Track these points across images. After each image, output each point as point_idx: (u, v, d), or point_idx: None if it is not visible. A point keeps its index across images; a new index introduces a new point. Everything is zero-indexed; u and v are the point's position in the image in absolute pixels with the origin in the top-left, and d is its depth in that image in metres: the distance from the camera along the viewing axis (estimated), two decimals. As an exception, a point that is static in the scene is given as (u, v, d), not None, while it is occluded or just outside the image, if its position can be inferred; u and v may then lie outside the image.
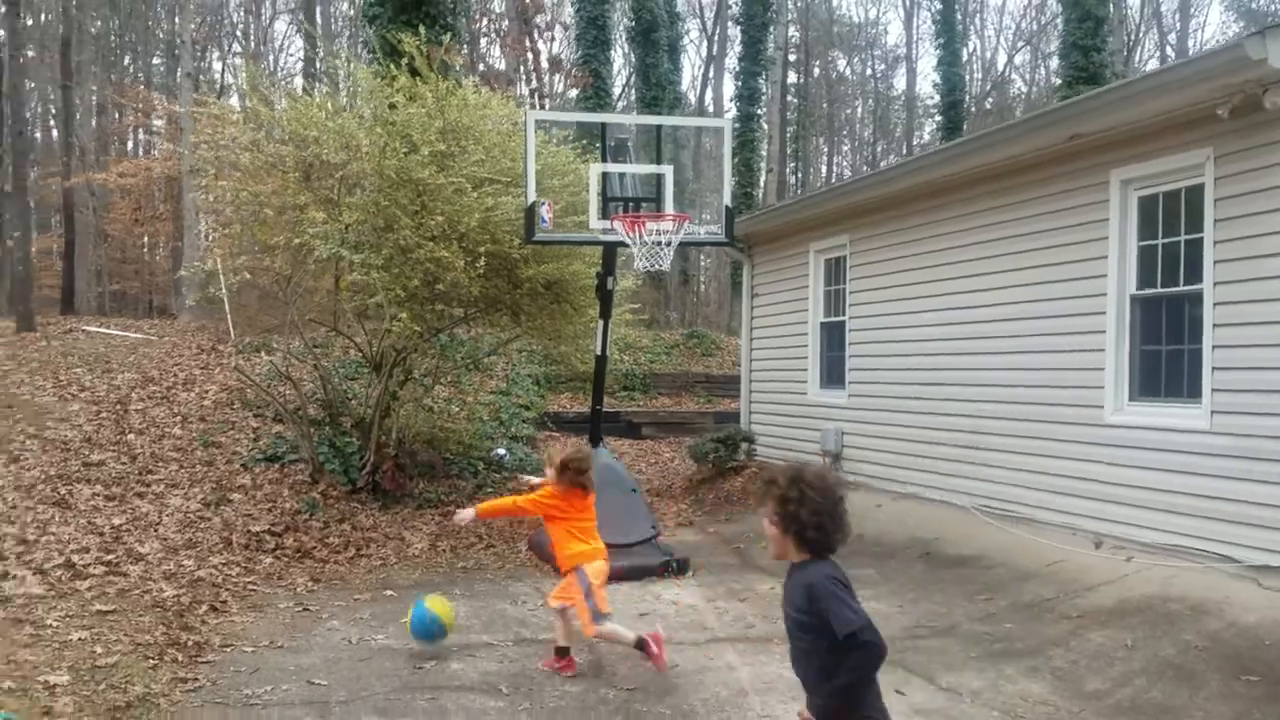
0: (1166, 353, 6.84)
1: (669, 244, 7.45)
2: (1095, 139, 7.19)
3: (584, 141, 10.28)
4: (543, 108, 23.98)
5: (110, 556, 6.99)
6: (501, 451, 12.01)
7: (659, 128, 8.94)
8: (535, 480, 6.23)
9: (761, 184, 28.65)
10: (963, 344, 8.74)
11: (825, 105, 41.96)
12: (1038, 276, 7.84)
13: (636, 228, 7.42)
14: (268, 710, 4.64)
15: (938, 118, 34.17)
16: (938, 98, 33.40)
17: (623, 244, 7.74)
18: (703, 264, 38.39)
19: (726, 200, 8.66)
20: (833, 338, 11.16)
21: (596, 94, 25.05)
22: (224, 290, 9.52)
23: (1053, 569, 6.95)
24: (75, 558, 6.82)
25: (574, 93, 26.04)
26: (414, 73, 9.20)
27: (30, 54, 26.44)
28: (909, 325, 9.53)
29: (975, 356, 8.58)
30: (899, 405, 9.67)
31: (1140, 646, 5.46)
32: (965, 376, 8.70)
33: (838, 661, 2.78)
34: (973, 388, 8.60)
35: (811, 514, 2.87)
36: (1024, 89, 41.41)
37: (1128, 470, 6.90)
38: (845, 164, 44.80)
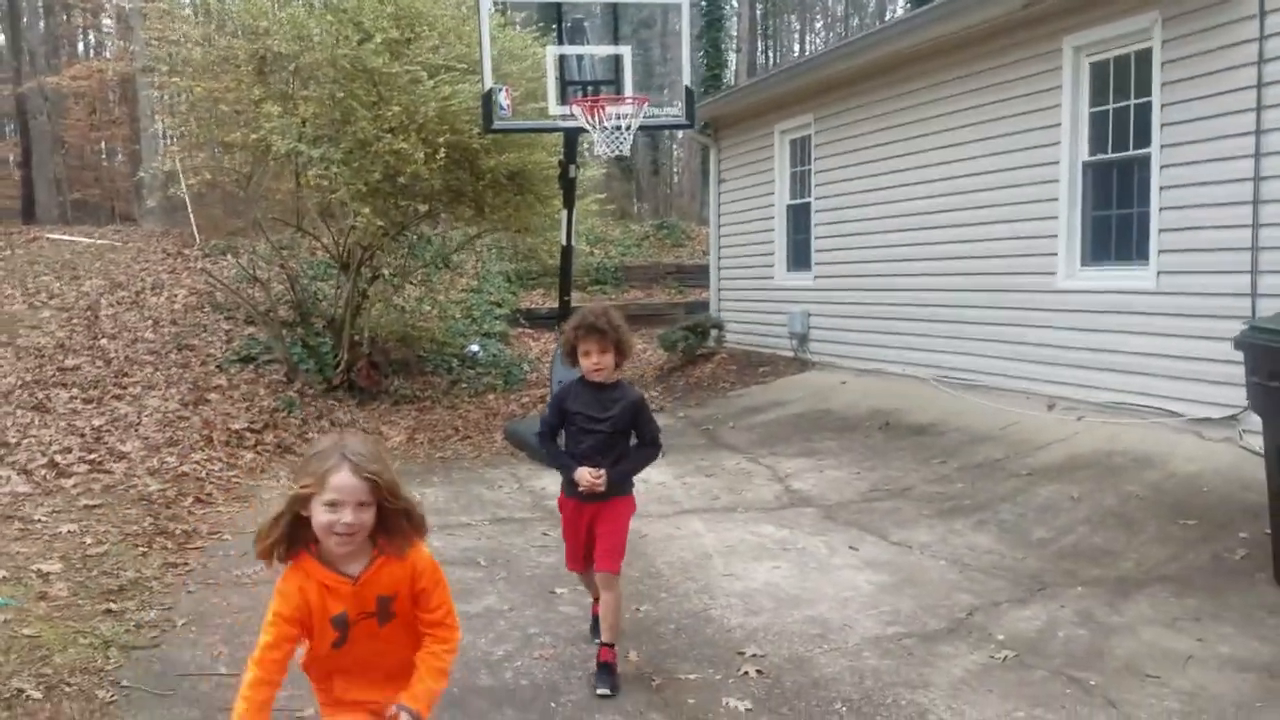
0: (1116, 217, 7.00)
1: (629, 128, 7.44)
2: (1049, 6, 7.20)
3: (541, 24, 10.13)
4: (498, -11, 23.25)
5: (93, 455, 7.13)
6: (475, 348, 12.17)
7: (615, 5, 8.82)
8: None
9: (731, 65, 28.19)
10: (922, 219, 8.86)
11: (796, -21, 40.89)
12: (994, 148, 7.93)
13: (596, 112, 7.40)
14: (258, 589, 4.85)
15: (909, -9, 33.44)
16: (908, -30, 32.63)
17: (583, 130, 7.72)
18: (675, 154, 37.94)
19: (686, 80, 8.60)
20: (799, 220, 11.24)
21: (554, -27, 24.28)
22: (185, 191, 9.47)
23: (1005, 431, 7.23)
24: (58, 457, 6.96)
25: (530, -28, 25.17)
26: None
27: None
28: (871, 203, 9.63)
29: (934, 230, 8.71)
30: (863, 284, 9.83)
31: (1085, 498, 5.76)
32: (925, 251, 8.85)
33: None
34: (932, 261, 8.76)
35: None
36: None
37: (1079, 333, 7.14)
38: (818, 41, 43.92)
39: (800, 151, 11.20)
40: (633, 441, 3.95)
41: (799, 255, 11.26)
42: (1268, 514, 4.54)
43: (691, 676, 3.89)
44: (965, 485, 6.37)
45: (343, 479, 2.25)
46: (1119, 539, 5.18)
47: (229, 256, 12.05)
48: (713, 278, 13.48)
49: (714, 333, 13.02)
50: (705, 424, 9.42)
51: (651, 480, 7.21)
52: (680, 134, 29.51)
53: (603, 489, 3.80)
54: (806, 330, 10.92)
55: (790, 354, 11.20)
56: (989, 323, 8.05)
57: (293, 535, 2.33)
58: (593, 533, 3.92)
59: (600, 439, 3.85)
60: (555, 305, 12.16)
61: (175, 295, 11.99)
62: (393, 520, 2.34)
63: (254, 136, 8.16)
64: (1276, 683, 3.64)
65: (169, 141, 15.83)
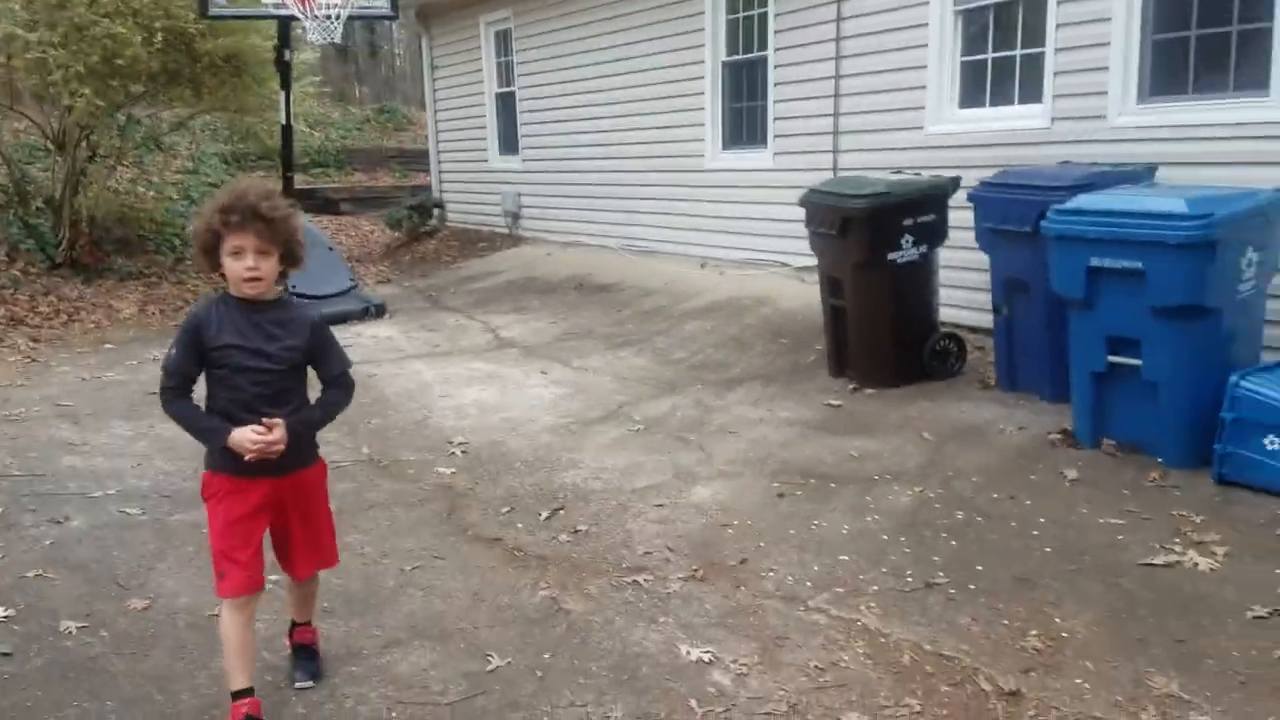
0: (746, 108, 8.74)
1: (338, 17, 8.27)
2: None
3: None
4: None
5: None
6: (197, 227, 12.48)
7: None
8: None
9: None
10: (605, 109, 10.31)
11: None
12: (656, 48, 9.42)
13: (306, 2, 8.17)
14: (27, 422, 5.67)
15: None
16: None
17: (294, 17, 8.45)
18: (396, 36, 37.25)
19: (389, -27, 9.43)
20: (507, 107, 12.37)
21: None
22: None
23: (668, 286, 8.97)
24: None
25: None
26: None
27: None
28: (565, 94, 10.94)
29: (615, 119, 10.18)
30: (563, 167, 11.21)
31: (716, 330, 7.54)
32: (609, 138, 10.32)
33: None
34: (615, 146, 10.26)
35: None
36: None
37: (722, 205, 8.90)
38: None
39: (504, 43, 12.24)
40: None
41: (508, 140, 12.43)
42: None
43: (412, 458, 5.22)
44: (634, 326, 8.02)
45: None
46: (733, 355, 6.98)
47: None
48: (433, 161, 14.39)
49: (436, 212, 14.05)
50: (429, 291, 10.60)
51: (380, 335, 8.37)
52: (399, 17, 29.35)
53: (280, 448, 2.60)
54: (518, 209, 12.21)
55: (506, 230, 12.48)
56: (659, 198, 9.70)
57: None
58: (281, 531, 2.80)
59: (270, 381, 2.63)
60: (278, 186, 12.70)
61: None
62: None
63: (-32, 22, 8.23)
64: (810, 430, 5.45)
65: None
